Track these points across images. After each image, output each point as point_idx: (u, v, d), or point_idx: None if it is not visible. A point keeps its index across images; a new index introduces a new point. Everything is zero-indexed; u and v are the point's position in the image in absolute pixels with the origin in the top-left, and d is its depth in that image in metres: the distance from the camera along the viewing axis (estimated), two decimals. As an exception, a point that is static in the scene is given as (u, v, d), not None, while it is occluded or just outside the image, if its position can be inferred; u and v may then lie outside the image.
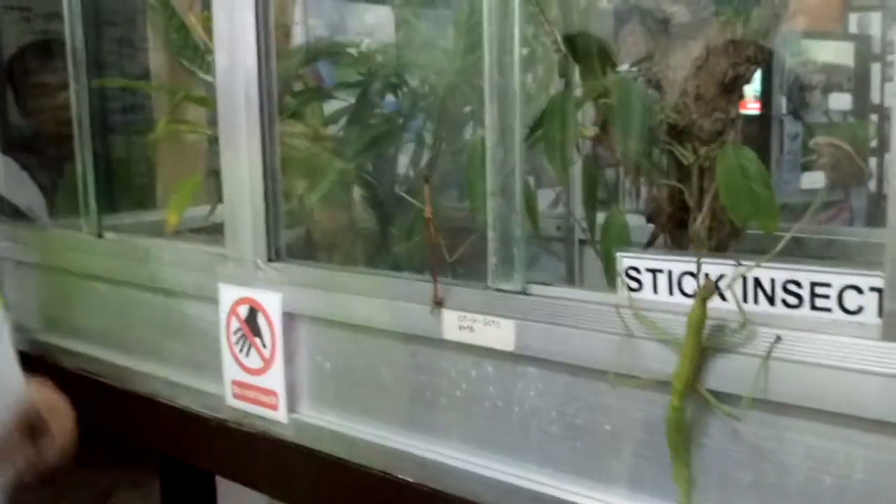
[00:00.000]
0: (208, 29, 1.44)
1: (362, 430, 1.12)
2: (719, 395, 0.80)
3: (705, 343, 0.79)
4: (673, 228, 1.22)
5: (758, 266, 0.79)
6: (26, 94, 2.13)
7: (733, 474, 0.83)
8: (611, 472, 0.91)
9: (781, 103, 2.81)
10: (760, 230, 1.03)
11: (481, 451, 1.01)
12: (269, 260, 1.20)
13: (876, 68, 2.99)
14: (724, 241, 1.16)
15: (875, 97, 2.93)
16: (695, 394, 0.81)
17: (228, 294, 1.24)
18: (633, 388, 0.87)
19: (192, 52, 1.65)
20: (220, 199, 1.39)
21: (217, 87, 1.26)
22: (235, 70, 1.21)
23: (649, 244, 1.26)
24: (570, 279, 1.75)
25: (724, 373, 0.80)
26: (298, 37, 1.86)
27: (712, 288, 0.79)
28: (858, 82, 2.97)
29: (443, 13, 1.72)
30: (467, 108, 1.53)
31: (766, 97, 2.64)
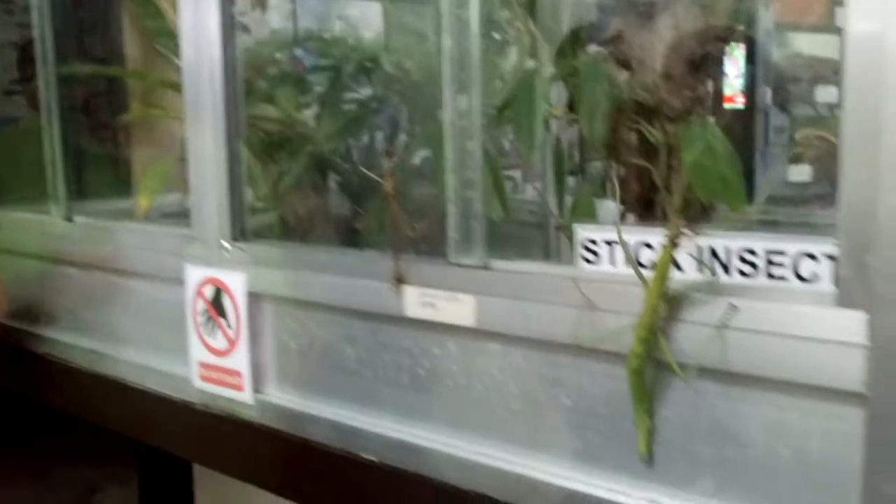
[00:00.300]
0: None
1: (326, 409, 1.11)
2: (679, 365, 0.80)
3: (670, 293, 0.78)
4: (642, 208, 1.22)
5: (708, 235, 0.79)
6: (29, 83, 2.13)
7: (693, 448, 0.82)
8: (571, 447, 0.90)
9: (767, 95, 2.81)
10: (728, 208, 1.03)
11: (444, 428, 1.00)
12: (234, 240, 1.19)
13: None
14: (694, 219, 1.16)
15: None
16: (656, 349, 0.80)
17: (194, 275, 1.23)
18: (593, 363, 0.86)
19: (168, 38, 1.64)
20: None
21: (183, 72, 1.25)
22: (201, 54, 1.20)
23: (619, 223, 1.25)
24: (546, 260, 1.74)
25: (682, 343, 0.79)
26: (278, 22, 1.85)
27: (679, 231, 0.77)
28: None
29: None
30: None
31: (751, 89, 2.64)
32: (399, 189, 0.98)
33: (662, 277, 0.78)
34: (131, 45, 2.03)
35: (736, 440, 0.79)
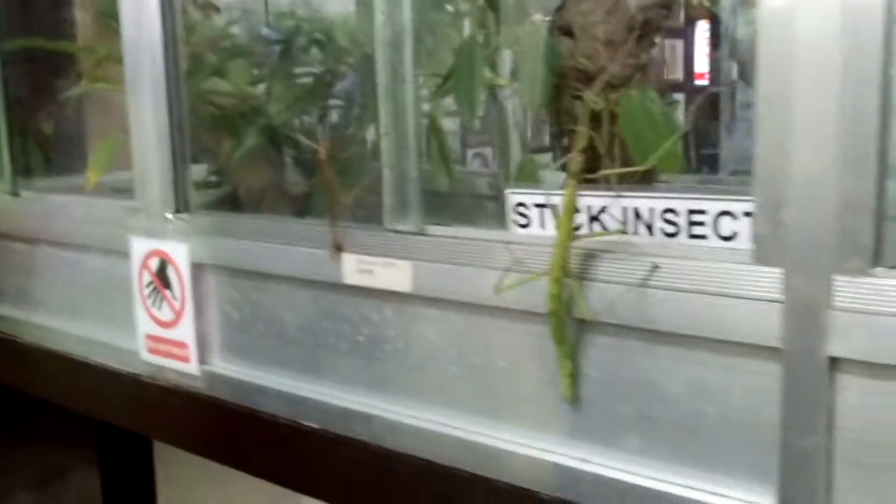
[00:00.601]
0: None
1: (270, 378, 1.12)
2: (602, 325, 0.81)
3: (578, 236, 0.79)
4: (586, 173, 1.23)
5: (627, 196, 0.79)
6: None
7: (619, 407, 0.83)
8: (506, 409, 0.91)
9: (733, 71, 2.82)
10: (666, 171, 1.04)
11: (384, 394, 1.01)
12: (178, 211, 1.18)
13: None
14: (636, 185, 1.17)
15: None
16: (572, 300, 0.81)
17: (139, 247, 1.22)
18: (526, 325, 0.87)
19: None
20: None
21: (123, 43, 1.24)
22: (140, 21, 1.19)
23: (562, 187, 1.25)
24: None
25: (605, 301, 0.80)
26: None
27: (579, 165, 0.78)
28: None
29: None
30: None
31: (716, 65, 2.66)
32: (334, 155, 0.98)
33: (569, 214, 0.79)
34: (82, 20, 2.00)
35: (660, 398, 0.80)
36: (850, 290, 0.67)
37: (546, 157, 1.57)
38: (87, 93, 1.70)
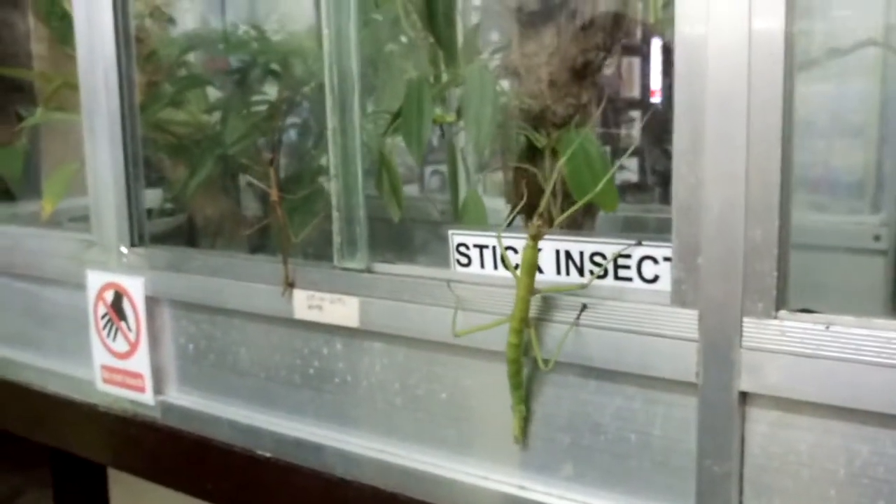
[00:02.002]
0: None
1: (225, 409, 1.15)
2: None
3: (537, 286, 0.84)
4: (529, 209, 1.28)
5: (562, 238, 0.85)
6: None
7: (555, 436, 0.89)
8: (448, 438, 0.96)
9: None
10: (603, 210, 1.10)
11: (333, 424, 1.05)
12: (133, 245, 1.21)
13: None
14: (578, 220, 1.23)
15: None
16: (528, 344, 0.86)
17: (95, 279, 1.25)
18: (466, 359, 0.92)
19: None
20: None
21: (79, 76, 1.27)
22: (95, 58, 1.22)
23: (508, 225, 1.31)
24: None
25: (545, 338, 0.86)
26: (205, 13, 1.86)
27: (538, 231, 0.83)
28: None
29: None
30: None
31: (669, 88, 2.73)
32: (284, 197, 1.02)
33: (529, 272, 0.84)
34: (38, 47, 2.02)
35: (591, 428, 0.86)
36: (757, 331, 0.73)
37: (493, 185, 1.63)
38: (40, 121, 1.72)
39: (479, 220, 1.22)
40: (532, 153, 1.26)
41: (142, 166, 1.23)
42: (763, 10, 0.70)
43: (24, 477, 2.09)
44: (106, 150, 1.22)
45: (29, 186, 2.01)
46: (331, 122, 1.00)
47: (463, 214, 1.25)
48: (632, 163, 1.72)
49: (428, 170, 1.86)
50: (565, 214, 0.91)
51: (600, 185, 1.00)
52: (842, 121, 1.50)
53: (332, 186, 1.00)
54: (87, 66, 1.24)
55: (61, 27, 1.70)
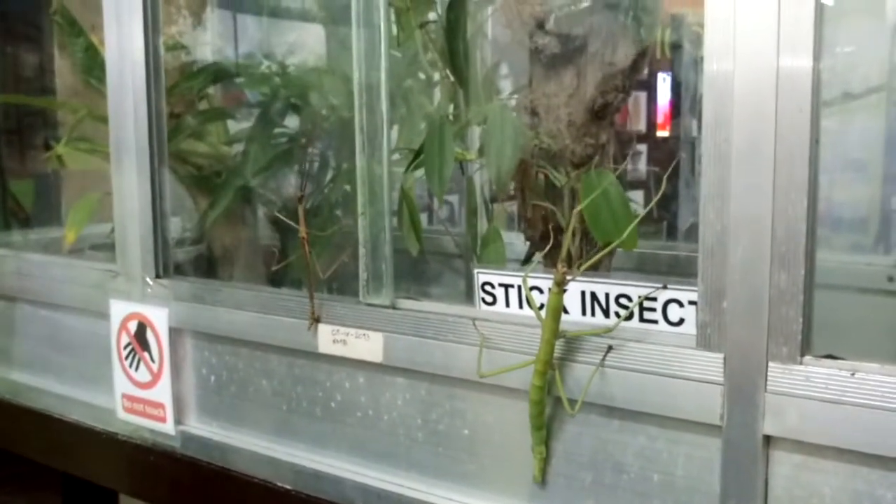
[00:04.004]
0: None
1: (245, 440, 1.16)
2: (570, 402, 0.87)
3: (562, 332, 0.86)
4: (548, 247, 1.30)
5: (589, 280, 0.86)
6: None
7: (577, 474, 0.90)
8: (469, 473, 0.97)
9: (692, 126, 2.93)
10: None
11: (354, 458, 1.06)
12: (157, 276, 1.23)
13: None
14: (592, 256, 1.24)
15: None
16: (551, 384, 0.87)
17: (118, 309, 1.26)
18: (487, 396, 0.93)
19: (101, 71, 1.68)
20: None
21: (109, 107, 1.30)
22: (125, 88, 1.24)
23: (525, 261, 1.33)
24: (468, 295, 1.82)
25: (570, 379, 0.87)
26: (217, 42, 1.89)
27: (564, 275, 0.85)
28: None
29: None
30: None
31: (676, 120, 2.76)
32: (316, 234, 1.04)
33: (555, 316, 0.85)
34: (63, 78, 2.05)
35: (614, 467, 0.87)
36: (781, 376, 0.75)
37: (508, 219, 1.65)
38: (64, 153, 1.74)
39: (498, 257, 1.24)
40: (551, 190, 1.28)
41: (168, 198, 1.25)
42: (790, 54, 0.72)
43: (32, 500, 2.09)
44: (133, 182, 1.24)
45: (49, 213, 2.04)
46: (359, 160, 1.02)
47: (483, 250, 1.27)
48: (638, 196, 1.74)
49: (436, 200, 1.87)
50: (590, 262, 0.93)
51: (626, 234, 1.02)
52: (847, 158, 1.51)
53: (360, 223, 1.02)
54: (117, 97, 1.26)
55: (84, 59, 1.72)
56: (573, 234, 1.18)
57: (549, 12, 1.29)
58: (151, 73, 1.25)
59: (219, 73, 1.81)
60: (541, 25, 1.31)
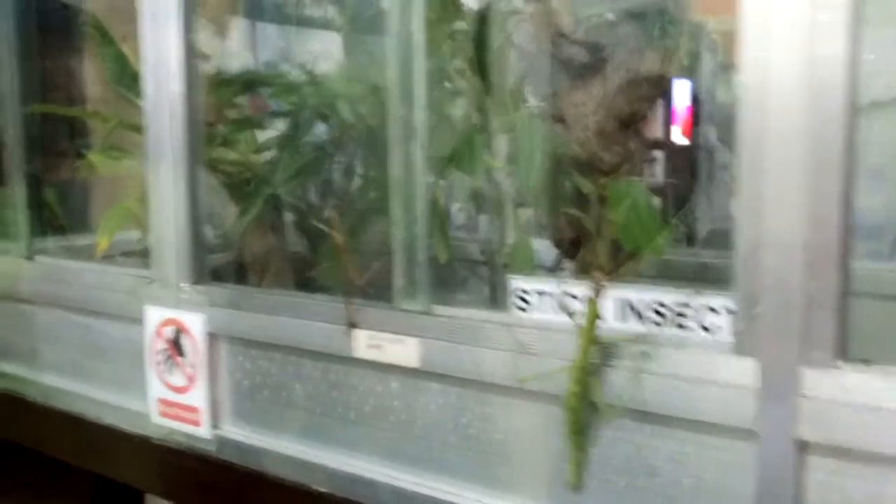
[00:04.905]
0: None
1: (279, 444, 1.18)
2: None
3: (598, 338, 0.87)
4: (575, 252, 1.32)
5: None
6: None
7: (611, 477, 0.91)
8: (501, 477, 0.98)
9: (712, 134, 2.94)
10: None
11: (387, 461, 1.08)
12: (194, 282, 1.25)
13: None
14: (622, 263, 1.25)
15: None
16: (588, 390, 0.88)
17: (154, 315, 1.29)
18: (521, 402, 0.95)
19: (130, 80, 1.70)
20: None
21: (145, 114, 1.32)
22: (161, 97, 1.27)
23: (555, 268, 1.34)
24: (493, 300, 1.83)
25: (605, 385, 0.88)
26: (239, 62, 1.91)
27: (601, 284, 0.86)
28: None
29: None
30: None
31: (696, 128, 2.76)
32: (348, 241, 1.06)
33: (592, 324, 0.87)
34: (93, 87, 2.09)
35: (647, 471, 0.88)
36: (815, 381, 0.76)
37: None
38: (97, 162, 1.77)
39: (528, 265, 1.26)
40: (579, 198, 1.30)
41: (204, 204, 1.28)
42: (824, 65, 0.73)
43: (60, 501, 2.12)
44: (170, 188, 1.27)
45: (78, 218, 2.07)
46: (395, 170, 1.04)
47: (513, 258, 1.28)
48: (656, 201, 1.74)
49: (454, 205, 1.89)
50: (622, 269, 0.95)
51: (656, 242, 1.04)
52: (871, 166, 1.52)
53: (394, 232, 1.04)
54: (155, 103, 1.28)
55: (114, 68, 1.75)
56: (600, 238, 1.20)
57: (577, 22, 1.31)
58: (188, 79, 1.27)
59: (250, 82, 1.84)
60: (568, 36, 1.33)
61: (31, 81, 1.75)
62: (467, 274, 1.80)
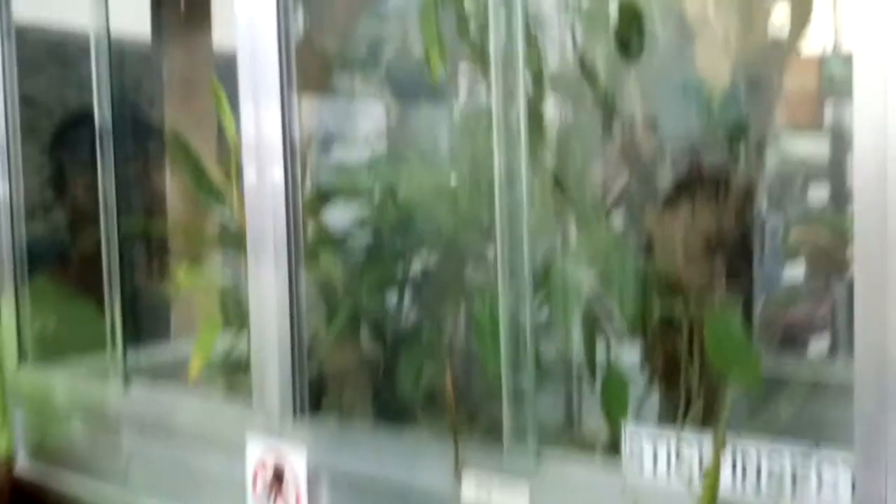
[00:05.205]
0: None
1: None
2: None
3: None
4: (667, 377, 1.32)
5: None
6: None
7: None
8: None
9: (763, 201, 2.90)
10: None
11: None
12: (295, 415, 1.28)
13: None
14: (713, 390, 1.26)
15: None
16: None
17: (255, 448, 1.31)
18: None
19: (207, 192, 1.77)
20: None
21: (247, 240, 1.32)
22: (264, 216, 1.28)
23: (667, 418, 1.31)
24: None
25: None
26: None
27: (723, 445, 0.87)
28: (835, 172, 3.05)
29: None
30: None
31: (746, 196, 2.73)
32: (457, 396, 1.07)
33: (713, 487, 0.88)
34: (174, 201, 2.16)
35: None
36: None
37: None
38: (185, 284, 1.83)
39: (621, 404, 1.24)
40: (669, 322, 1.30)
41: (306, 336, 1.30)
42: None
43: None
44: (273, 318, 1.28)
45: (159, 325, 2.12)
46: (502, 309, 1.06)
47: (604, 396, 1.26)
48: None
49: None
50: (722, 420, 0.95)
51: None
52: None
53: (504, 375, 1.06)
54: (256, 194, 1.29)
55: (198, 183, 1.82)
56: (700, 378, 1.20)
57: (664, 150, 1.34)
58: (289, 161, 1.26)
59: (326, 193, 1.86)
60: (654, 163, 1.36)
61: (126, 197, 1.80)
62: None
